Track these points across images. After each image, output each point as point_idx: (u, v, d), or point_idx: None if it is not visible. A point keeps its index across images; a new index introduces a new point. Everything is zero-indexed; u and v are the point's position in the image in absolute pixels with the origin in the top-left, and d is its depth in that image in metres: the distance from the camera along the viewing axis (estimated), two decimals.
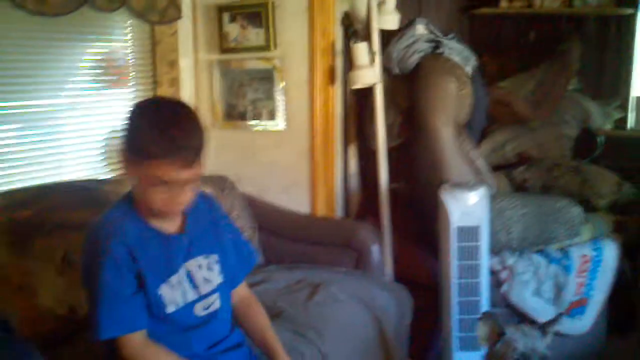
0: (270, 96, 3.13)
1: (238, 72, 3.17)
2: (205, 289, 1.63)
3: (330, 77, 3.06)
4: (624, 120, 3.80)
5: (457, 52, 3.10)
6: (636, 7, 3.75)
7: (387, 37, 3.07)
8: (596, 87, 3.86)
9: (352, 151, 3.28)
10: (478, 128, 3.27)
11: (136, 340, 1.51)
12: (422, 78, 2.99)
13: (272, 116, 3.14)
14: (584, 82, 3.82)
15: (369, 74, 2.93)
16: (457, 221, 2.50)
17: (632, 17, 3.78)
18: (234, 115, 3.22)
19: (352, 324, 2.28)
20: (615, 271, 2.86)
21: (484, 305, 2.58)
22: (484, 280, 2.57)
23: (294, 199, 3.08)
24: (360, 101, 3.23)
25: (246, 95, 3.18)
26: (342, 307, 2.33)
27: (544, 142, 3.43)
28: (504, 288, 2.71)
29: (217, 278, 1.66)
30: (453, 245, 2.53)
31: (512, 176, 3.25)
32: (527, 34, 4.05)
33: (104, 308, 1.47)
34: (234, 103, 3.21)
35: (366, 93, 3.06)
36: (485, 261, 2.57)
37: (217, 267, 1.67)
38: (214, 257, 1.67)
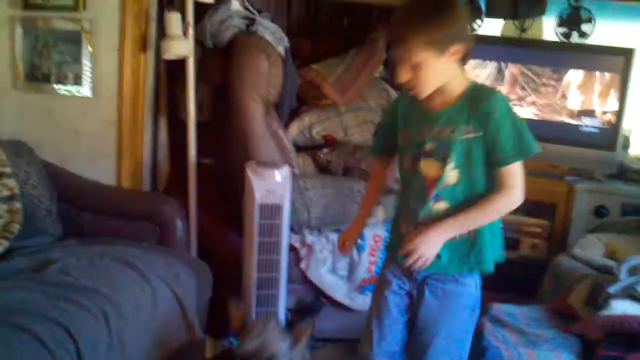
0: (77, 60, 2.98)
1: (43, 31, 2.97)
2: None
3: (142, 45, 2.98)
4: None
5: (271, 32, 3.15)
6: None
7: (203, 10, 3.05)
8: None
9: (163, 122, 3.23)
10: (287, 108, 3.35)
11: None
12: (235, 54, 3.01)
13: (78, 81, 2.99)
14: (389, 71, 4.05)
15: (182, 45, 2.91)
16: (260, 199, 2.57)
17: None
18: (38, 77, 3.02)
19: (154, 301, 2.27)
20: None
21: (283, 280, 2.69)
22: (284, 256, 2.67)
23: (99, 169, 2.97)
24: (172, 72, 3.18)
25: (51, 56, 2.99)
26: (145, 284, 2.30)
27: (349, 125, 3.59)
28: (303, 265, 2.83)
29: None
30: (255, 222, 2.59)
31: (317, 157, 3.38)
32: (341, 20, 4.21)
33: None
34: (38, 64, 3.01)
35: (179, 64, 3.02)
36: (285, 238, 2.66)
37: None
38: None
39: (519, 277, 3.19)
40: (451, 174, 1.77)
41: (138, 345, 2.12)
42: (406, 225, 1.88)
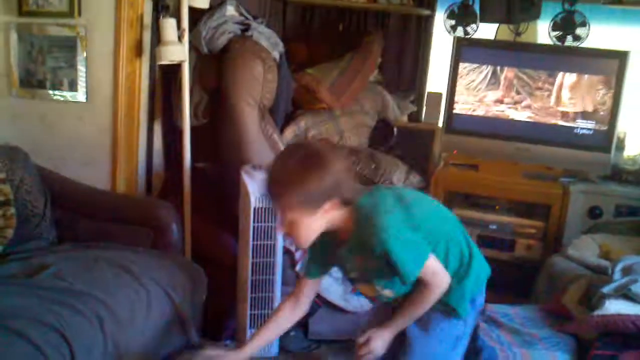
0: (72, 65, 2.99)
1: (38, 37, 2.99)
2: None
3: (137, 51, 2.99)
4: (417, 113, 4.11)
5: (266, 37, 3.17)
6: (433, 9, 4.05)
7: (198, 15, 3.07)
8: (395, 81, 4.13)
9: (158, 128, 3.24)
10: (282, 112, 3.36)
11: None
12: (229, 59, 3.03)
13: (73, 87, 3.01)
14: (384, 75, 4.07)
15: (176, 50, 2.91)
16: (255, 202, 2.57)
17: (430, 18, 4.08)
18: (32, 83, 3.04)
19: (149, 305, 2.27)
20: None
21: (278, 283, 2.69)
22: (279, 259, 2.67)
23: (94, 174, 2.97)
24: (167, 77, 3.20)
25: (46, 62, 3.01)
26: (140, 288, 2.29)
27: (344, 129, 3.61)
28: (298, 267, 2.83)
29: None
30: (250, 225, 2.59)
31: None
32: (336, 25, 4.23)
33: None
34: (33, 70, 3.03)
35: (174, 69, 3.04)
36: (280, 241, 2.67)
37: None
38: None
39: (514, 278, 3.19)
40: (385, 292, 1.86)
41: (133, 350, 2.12)
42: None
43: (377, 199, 1.77)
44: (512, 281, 3.18)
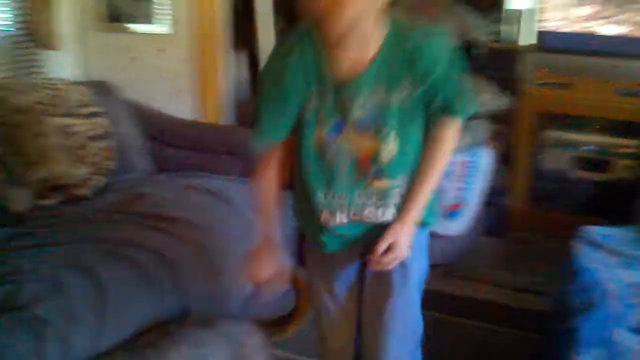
0: None
1: None
2: None
3: None
4: (499, 32, 3.94)
5: None
6: None
7: None
8: (475, 0, 3.96)
9: (244, 57, 3.23)
10: None
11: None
12: None
13: (156, 19, 3.02)
14: None
15: None
16: None
17: None
18: (116, 17, 3.07)
19: (248, 231, 2.29)
20: (489, 177, 3.03)
21: None
22: None
23: (181, 106, 3.02)
24: (248, 7, 3.17)
25: None
26: (239, 216, 2.34)
27: None
28: None
29: None
30: None
31: None
32: None
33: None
34: (116, 4, 3.05)
35: None
36: None
37: None
38: None
39: (609, 200, 3.09)
40: (391, 146, 1.42)
41: (234, 273, 2.17)
42: (331, 213, 1.52)
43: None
44: (609, 203, 3.08)
